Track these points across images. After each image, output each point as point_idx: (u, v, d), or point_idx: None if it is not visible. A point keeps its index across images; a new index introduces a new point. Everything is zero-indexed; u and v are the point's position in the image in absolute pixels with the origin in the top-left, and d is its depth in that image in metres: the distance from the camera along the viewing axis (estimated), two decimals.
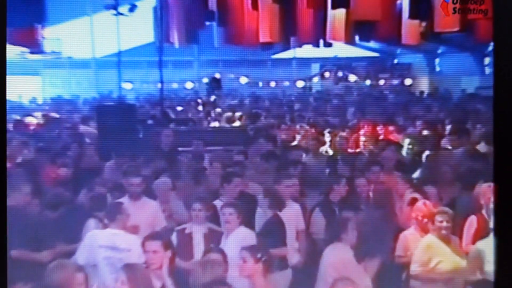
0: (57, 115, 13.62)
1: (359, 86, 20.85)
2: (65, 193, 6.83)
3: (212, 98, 14.95)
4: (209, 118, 13.67)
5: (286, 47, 17.24)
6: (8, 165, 7.79)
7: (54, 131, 11.28)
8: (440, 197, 6.84)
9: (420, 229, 6.06)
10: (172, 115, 13.92)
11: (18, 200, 5.95)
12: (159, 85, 13.85)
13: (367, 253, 5.49)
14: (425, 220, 6.00)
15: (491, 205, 5.85)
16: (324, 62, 21.15)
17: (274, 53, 19.98)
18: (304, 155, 8.97)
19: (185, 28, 13.06)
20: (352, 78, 20.98)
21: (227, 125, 12.77)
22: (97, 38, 20.35)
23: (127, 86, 17.29)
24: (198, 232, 6.06)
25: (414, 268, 5.85)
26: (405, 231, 6.18)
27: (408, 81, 21.64)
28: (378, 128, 10.80)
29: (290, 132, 11.27)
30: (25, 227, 5.76)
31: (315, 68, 21.89)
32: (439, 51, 21.67)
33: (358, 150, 9.89)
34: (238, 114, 13.53)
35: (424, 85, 21.42)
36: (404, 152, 9.22)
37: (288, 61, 21.81)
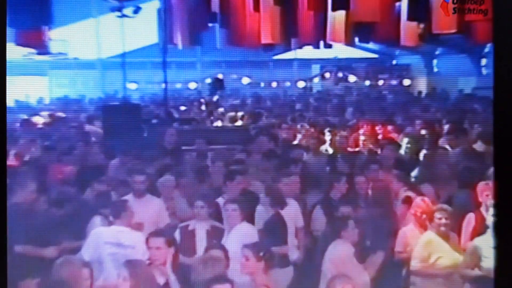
0: (63, 115, 13.74)
1: (359, 87, 20.91)
2: (71, 190, 6.92)
3: (215, 98, 14.96)
4: (212, 118, 13.65)
5: (287, 48, 17.18)
6: (16, 163, 7.97)
7: (60, 130, 11.36)
8: (437, 195, 6.91)
9: (419, 225, 6.09)
10: (176, 115, 13.98)
11: (25, 197, 6.05)
12: (163, 86, 13.91)
13: (368, 252, 5.56)
14: (424, 216, 6.04)
15: (489, 203, 5.92)
16: (325, 63, 21.25)
17: (275, 54, 19.99)
18: (304, 153, 9.05)
19: (189, 30, 13.09)
20: (352, 78, 21.07)
21: (229, 125, 12.82)
22: (103, 40, 20.45)
23: (132, 86, 17.41)
24: (201, 229, 6.10)
25: (414, 264, 5.83)
26: (404, 227, 6.21)
27: (406, 82, 21.75)
28: (377, 128, 10.86)
29: (291, 131, 11.34)
30: (32, 224, 5.83)
31: (316, 68, 21.99)
32: (437, 52, 21.75)
33: (357, 149, 9.97)
34: (240, 113, 13.57)
35: (422, 85, 21.50)
36: (402, 151, 9.27)
37: (289, 62, 21.86)
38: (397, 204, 6.62)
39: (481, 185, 6.26)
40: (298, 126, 11.76)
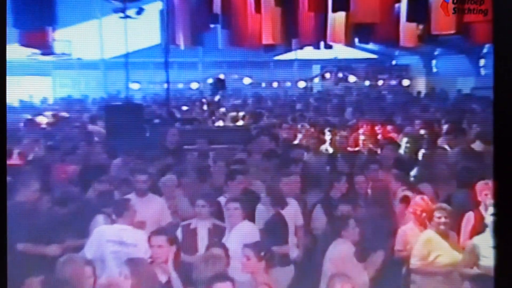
0: (66, 115, 13.78)
1: (359, 87, 20.92)
2: (74, 189, 6.99)
3: (217, 98, 14.96)
4: (213, 118, 13.61)
5: (288, 49, 17.21)
6: (20, 162, 8.03)
7: (63, 130, 11.39)
8: (436, 194, 6.93)
9: (419, 223, 6.11)
10: (178, 115, 13.94)
11: (29, 196, 6.08)
12: (165, 86, 13.90)
13: (368, 251, 5.56)
14: (424, 214, 6.06)
15: (488, 202, 5.97)
16: (325, 64, 21.29)
17: (276, 55, 20.06)
18: (305, 153, 9.08)
19: (191, 31, 13.10)
20: (352, 79, 21.09)
21: (231, 124, 12.81)
22: (106, 40, 20.55)
23: (134, 86, 17.46)
24: (202, 228, 6.13)
25: (414, 262, 5.85)
26: (404, 226, 6.23)
27: (406, 82, 21.77)
28: (376, 127, 10.87)
29: (292, 131, 11.35)
30: (35, 222, 5.86)
31: (316, 69, 22.03)
32: (436, 53, 21.79)
33: (357, 148, 9.97)
34: (241, 113, 13.60)
35: (421, 85, 21.54)
36: (402, 150, 9.27)
37: (290, 62, 21.93)
38: (396, 204, 6.65)
39: (480, 185, 6.28)
40: (299, 126, 11.77)
